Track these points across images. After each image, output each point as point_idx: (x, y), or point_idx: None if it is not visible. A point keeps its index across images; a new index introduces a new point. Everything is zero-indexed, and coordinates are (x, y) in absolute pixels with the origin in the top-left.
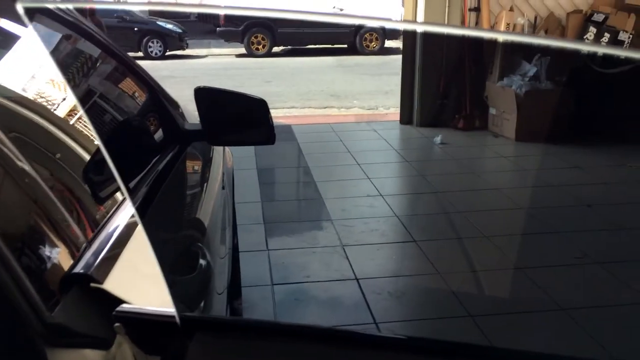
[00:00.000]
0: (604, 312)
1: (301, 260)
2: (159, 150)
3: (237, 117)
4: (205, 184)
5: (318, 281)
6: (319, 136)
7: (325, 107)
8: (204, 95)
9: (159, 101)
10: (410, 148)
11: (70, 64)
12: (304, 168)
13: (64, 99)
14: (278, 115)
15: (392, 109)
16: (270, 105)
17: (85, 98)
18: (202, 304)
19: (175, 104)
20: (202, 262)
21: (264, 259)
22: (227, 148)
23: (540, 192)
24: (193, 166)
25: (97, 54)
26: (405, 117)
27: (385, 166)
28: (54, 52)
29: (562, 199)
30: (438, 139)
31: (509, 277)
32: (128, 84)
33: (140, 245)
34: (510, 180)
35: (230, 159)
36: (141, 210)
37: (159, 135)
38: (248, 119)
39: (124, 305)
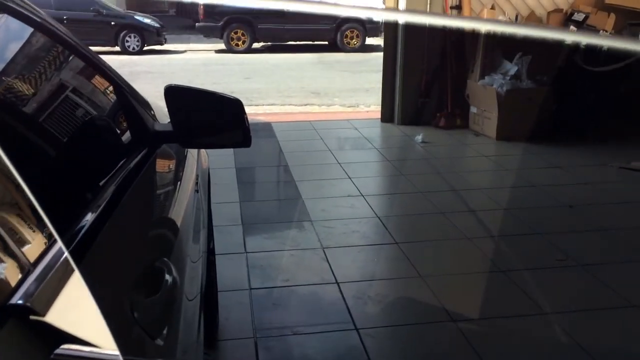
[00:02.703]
0: (587, 315)
1: (280, 263)
2: (122, 153)
3: (211, 118)
4: (176, 190)
5: (297, 285)
6: (299, 134)
7: (305, 104)
8: (174, 94)
9: (124, 100)
10: (392, 147)
11: (27, 59)
12: (284, 167)
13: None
14: (258, 112)
15: (373, 106)
16: (249, 102)
17: (42, 96)
18: (165, 330)
19: (145, 103)
20: (167, 278)
21: (241, 262)
22: None
23: (522, 193)
24: (163, 170)
25: (56, 49)
26: (387, 115)
27: (367, 165)
28: (17, 47)
29: (543, 199)
30: (419, 138)
31: (491, 280)
32: (89, 82)
33: None
34: (491, 181)
35: (205, 159)
36: (94, 226)
37: (123, 136)
38: (222, 120)
39: (64, 346)
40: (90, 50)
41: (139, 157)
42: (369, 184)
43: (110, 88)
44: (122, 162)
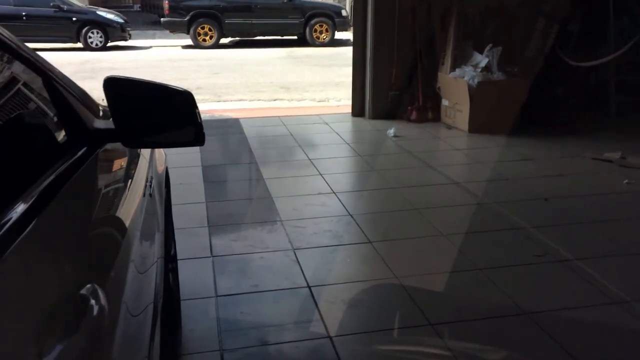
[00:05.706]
0: (569, 314)
1: (249, 266)
2: (51, 154)
3: (158, 114)
4: (121, 194)
5: (267, 290)
6: (268, 130)
7: (274, 100)
8: (116, 87)
9: (57, 95)
10: (363, 141)
11: None
12: (253, 164)
13: None
14: (226, 108)
15: (343, 100)
16: (218, 98)
17: None
18: None
19: (86, 99)
20: (94, 304)
21: (207, 266)
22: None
23: (496, 186)
24: (104, 172)
25: None
26: (357, 109)
27: (338, 161)
28: None
29: (518, 192)
30: (391, 132)
31: (469, 279)
32: (14, 75)
33: None
34: (465, 174)
35: (162, 160)
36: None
37: (56, 135)
38: (171, 116)
39: None
40: (17, 40)
41: (74, 158)
42: (341, 181)
43: (40, 82)
44: (50, 164)
